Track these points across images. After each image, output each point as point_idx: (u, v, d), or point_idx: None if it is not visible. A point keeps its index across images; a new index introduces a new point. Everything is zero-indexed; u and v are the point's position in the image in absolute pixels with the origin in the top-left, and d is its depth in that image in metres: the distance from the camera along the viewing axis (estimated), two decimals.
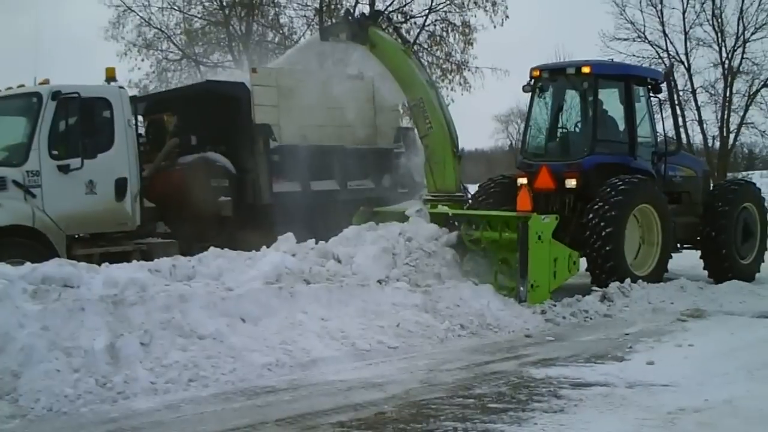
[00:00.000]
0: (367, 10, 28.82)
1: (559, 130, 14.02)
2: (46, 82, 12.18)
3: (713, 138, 33.47)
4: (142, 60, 29.03)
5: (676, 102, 32.02)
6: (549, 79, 13.70)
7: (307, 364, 8.06)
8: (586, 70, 13.05)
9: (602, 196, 12.19)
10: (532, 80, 13.71)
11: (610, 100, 13.69)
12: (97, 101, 12.18)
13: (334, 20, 24.90)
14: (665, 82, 14.05)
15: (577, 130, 13.78)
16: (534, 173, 13.09)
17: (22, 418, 6.43)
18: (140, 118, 14.99)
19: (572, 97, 13.96)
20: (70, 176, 11.66)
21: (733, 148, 35.12)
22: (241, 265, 10.26)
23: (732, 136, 33.00)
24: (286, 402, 6.98)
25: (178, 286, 9.17)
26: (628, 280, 11.97)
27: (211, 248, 10.93)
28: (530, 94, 13.82)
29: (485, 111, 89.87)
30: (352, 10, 25.73)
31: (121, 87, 12.67)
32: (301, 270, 10.23)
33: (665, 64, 32.04)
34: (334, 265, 10.91)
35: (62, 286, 8.41)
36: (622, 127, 13.54)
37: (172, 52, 29.89)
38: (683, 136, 32.53)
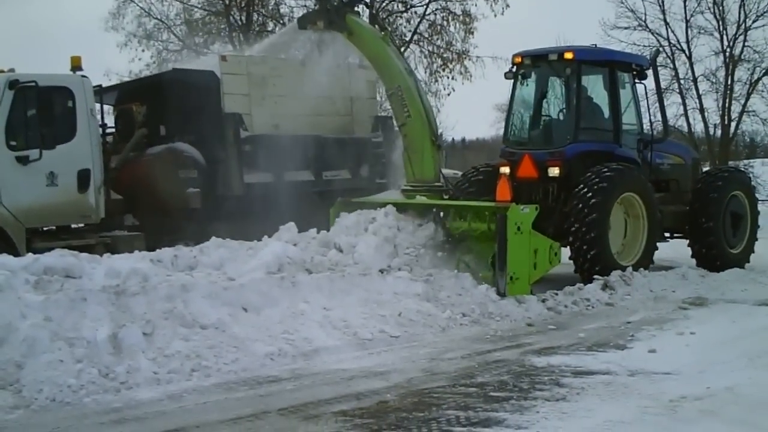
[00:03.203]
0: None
1: (542, 118, 13.75)
2: (11, 71, 11.90)
3: (714, 126, 33.45)
4: (143, 51, 29.08)
5: (675, 89, 32.23)
6: (531, 65, 13.40)
7: (310, 354, 8.07)
8: (568, 55, 12.80)
9: (585, 184, 11.97)
10: (514, 67, 13.45)
11: (595, 87, 13.45)
12: (57, 90, 11.91)
13: None
14: (651, 68, 13.74)
15: (561, 117, 13.52)
16: (516, 162, 12.84)
17: (25, 408, 6.44)
18: (110, 108, 14.84)
19: (555, 84, 13.68)
20: (29, 167, 11.40)
21: (735, 137, 35.07)
22: (242, 254, 10.29)
23: (733, 124, 32.96)
24: (288, 391, 7.00)
25: (180, 276, 9.21)
26: (629, 269, 11.93)
27: (213, 238, 10.90)
28: (512, 81, 13.57)
29: (486, 100, 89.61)
30: None
31: (84, 76, 12.30)
32: (303, 259, 10.25)
33: (666, 53, 31.99)
34: (335, 254, 10.92)
35: (64, 277, 8.45)
36: (606, 114, 13.25)
37: (172, 42, 29.91)
38: (685, 124, 32.57)
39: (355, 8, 14.28)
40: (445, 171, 18.14)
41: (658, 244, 12.96)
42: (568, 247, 11.97)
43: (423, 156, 13.61)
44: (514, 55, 13.46)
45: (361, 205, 12.48)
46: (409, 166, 13.75)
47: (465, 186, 13.70)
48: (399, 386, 7.08)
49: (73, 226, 12.28)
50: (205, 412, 6.44)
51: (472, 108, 65.94)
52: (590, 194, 11.85)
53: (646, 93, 13.90)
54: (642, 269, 12.17)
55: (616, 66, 13.25)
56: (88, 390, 6.75)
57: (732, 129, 33.06)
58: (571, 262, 12.04)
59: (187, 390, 6.98)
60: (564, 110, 13.45)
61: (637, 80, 13.59)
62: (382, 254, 10.96)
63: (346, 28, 13.85)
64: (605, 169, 12.09)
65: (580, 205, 11.84)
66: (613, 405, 6.43)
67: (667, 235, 13.88)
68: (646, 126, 14.03)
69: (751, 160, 39.11)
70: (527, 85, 13.62)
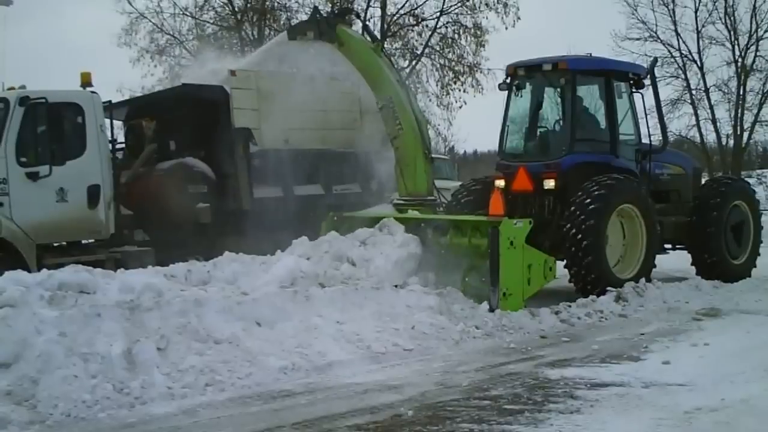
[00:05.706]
0: (378, 12, 29.00)
1: (537, 130, 13.46)
2: (22, 87, 11.94)
3: (727, 136, 33.42)
4: (155, 66, 29.21)
5: (687, 99, 32.16)
6: (525, 76, 13.15)
7: (323, 368, 8.08)
8: (562, 65, 12.57)
9: (581, 197, 11.71)
10: (508, 78, 13.21)
11: (591, 97, 13.25)
12: (67, 106, 11.95)
13: None
14: (648, 77, 13.43)
15: (556, 128, 13.25)
16: (512, 174, 12.63)
17: (41, 424, 6.47)
18: (121, 123, 14.84)
19: (550, 95, 13.46)
20: (39, 184, 11.39)
21: (748, 147, 35.04)
22: (255, 269, 10.30)
23: (746, 134, 32.92)
24: (302, 405, 7.00)
25: (194, 290, 9.23)
26: (642, 280, 11.84)
27: (226, 252, 10.91)
28: (506, 92, 13.31)
29: (498, 112, 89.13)
30: (363, 13, 25.68)
31: (93, 92, 12.31)
32: (316, 273, 10.25)
33: (678, 63, 31.98)
34: (348, 268, 10.91)
35: (78, 292, 8.46)
36: (603, 124, 13.00)
37: (184, 58, 29.99)
38: (697, 135, 32.53)
39: (346, 18, 14.19)
40: (455, 183, 18.11)
41: (660, 256, 12.78)
42: (565, 260, 11.77)
43: (415, 169, 13.48)
44: (508, 66, 13.28)
45: (352, 219, 12.35)
46: (401, 179, 13.62)
47: (460, 200, 13.47)
48: (413, 399, 7.08)
49: (83, 241, 12.31)
50: (219, 426, 6.46)
51: (484, 120, 65.86)
52: (586, 207, 11.60)
53: (644, 103, 13.66)
54: (655, 280, 12.09)
55: (612, 75, 13.00)
56: (102, 405, 6.78)
57: (745, 139, 33.06)
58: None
59: (201, 404, 7.00)
60: (559, 121, 13.21)
61: (634, 89, 13.31)
62: (402, 270, 10.85)
63: (337, 39, 13.75)
64: (601, 181, 11.86)
65: (576, 218, 11.60)
66: (628, 417, 6.42)
67: (668, 246, 13.64)
68: (644, 136, 13.82)
69: (765, 170, 39.01)
70: (522, 96, 13.36)
